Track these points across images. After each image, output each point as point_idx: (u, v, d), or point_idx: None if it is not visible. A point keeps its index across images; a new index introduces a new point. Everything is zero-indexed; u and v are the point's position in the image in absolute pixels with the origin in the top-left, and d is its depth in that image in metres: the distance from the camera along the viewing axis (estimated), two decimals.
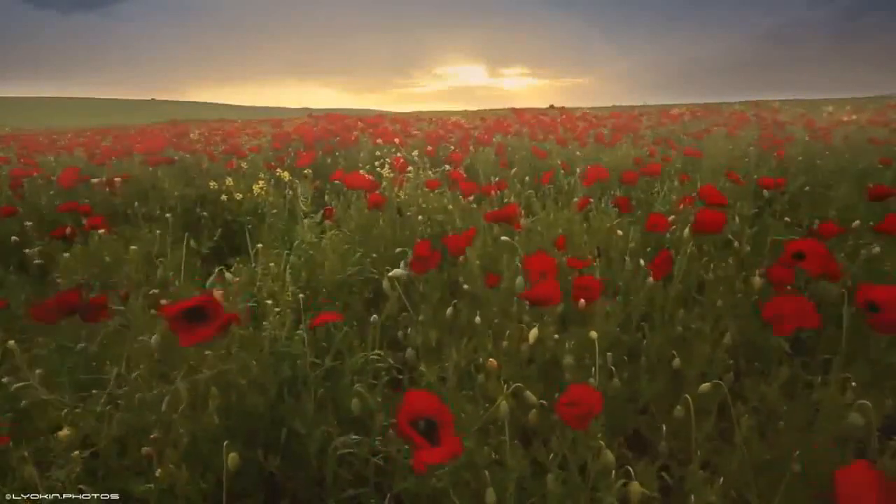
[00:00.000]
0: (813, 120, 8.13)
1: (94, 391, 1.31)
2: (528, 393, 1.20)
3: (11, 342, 1.28)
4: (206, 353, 1.32)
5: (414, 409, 0.92)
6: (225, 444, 1.09)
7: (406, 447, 1.24)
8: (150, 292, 1.73)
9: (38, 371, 1.28)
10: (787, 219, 2.41)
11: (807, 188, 3.35)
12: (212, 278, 1.69)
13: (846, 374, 1.29)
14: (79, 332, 1.63)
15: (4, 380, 1.27)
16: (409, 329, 1.73)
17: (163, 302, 1.61)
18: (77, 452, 1.10)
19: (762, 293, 1.70)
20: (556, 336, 1.50)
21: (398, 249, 2.14)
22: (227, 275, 1.70)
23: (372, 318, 1.69)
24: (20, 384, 1.24)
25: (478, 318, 1.65)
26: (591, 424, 1.11)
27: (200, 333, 1.14)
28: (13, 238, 2.67)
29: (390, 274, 1.74)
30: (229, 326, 1.23)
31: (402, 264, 2.00)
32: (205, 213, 3.42)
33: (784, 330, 1.29)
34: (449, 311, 1.71)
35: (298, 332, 1.46)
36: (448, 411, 0.93)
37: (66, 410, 1.20)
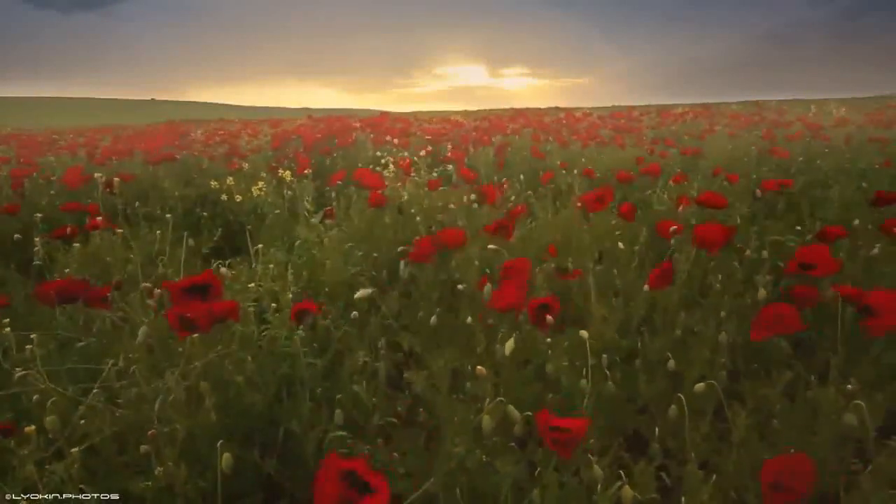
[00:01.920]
0: (817, 123, 8.10)
1: (94, 389, 1.31)
2: (510, 407, 1.17)
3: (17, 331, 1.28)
4: (204, 348, 1.32)
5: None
6: (219, 443, 1.09)
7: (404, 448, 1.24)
8: (148, 282, 1.72)
9: (38, 352, 1.27)
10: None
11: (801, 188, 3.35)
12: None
13: (844, 375, 1.29)
14: (77, 326, 1.64)
15: (17, 371, 1.27)
16: (403, 333, 1.73)
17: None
18: (76, 450, 1.10)
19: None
20: (549, 340, 1.49)
21: (400, 248, 2.13)
22: (223, 270, 1.69)
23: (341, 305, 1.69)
24: (23, 371, 1.24)
25: (469, 320, 1.64)
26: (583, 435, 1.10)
27: (198, 308, 1.13)
28: (16, 236, 2.64)
29: (356, 295, 1.72)
30: (228, 312, 1.23)
31: (401, 265, 2.00)
32: (205, 213, 3.42)
33: (757, 337, 1.31)
34: (433, 319, 1.70)
35: (298, 331, 1.46)
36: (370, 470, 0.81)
37: (53, 398, 1.20)
